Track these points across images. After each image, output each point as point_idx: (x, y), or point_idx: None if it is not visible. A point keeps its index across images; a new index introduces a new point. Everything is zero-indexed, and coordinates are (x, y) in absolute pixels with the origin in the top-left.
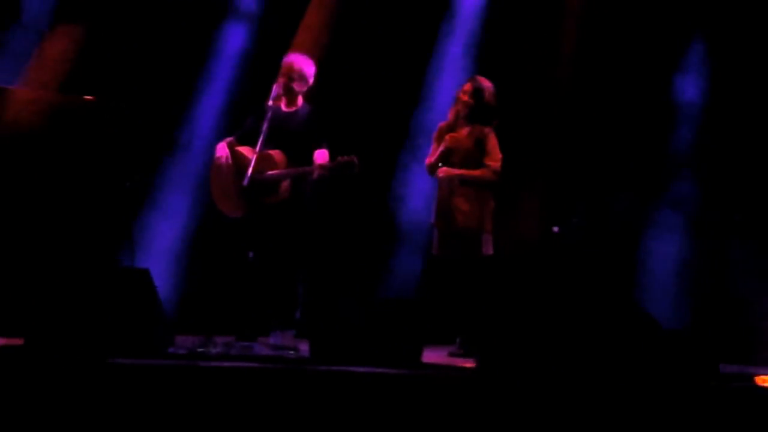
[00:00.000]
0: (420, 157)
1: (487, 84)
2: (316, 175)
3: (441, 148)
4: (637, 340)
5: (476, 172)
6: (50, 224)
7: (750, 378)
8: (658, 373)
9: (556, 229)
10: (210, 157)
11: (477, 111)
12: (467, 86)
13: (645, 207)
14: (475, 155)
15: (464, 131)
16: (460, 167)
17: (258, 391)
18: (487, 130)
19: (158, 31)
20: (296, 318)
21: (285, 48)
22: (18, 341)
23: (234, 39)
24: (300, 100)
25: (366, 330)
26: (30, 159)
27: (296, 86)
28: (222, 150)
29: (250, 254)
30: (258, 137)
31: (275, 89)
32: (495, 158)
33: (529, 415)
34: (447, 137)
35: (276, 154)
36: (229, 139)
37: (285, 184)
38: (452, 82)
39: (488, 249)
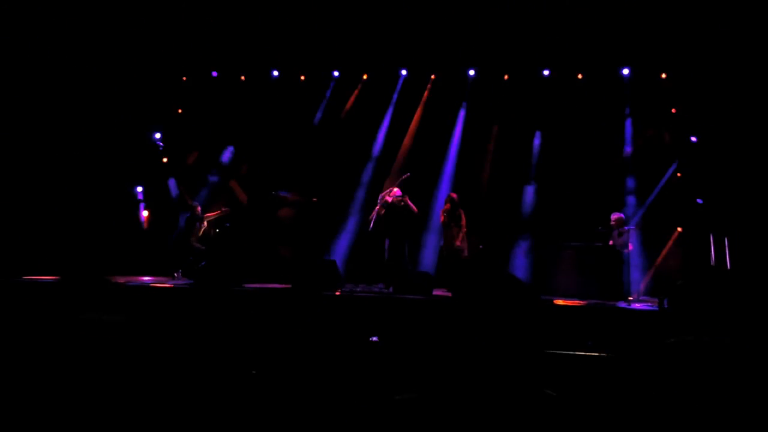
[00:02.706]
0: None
1: (454, 196)
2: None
3: (443, 220)
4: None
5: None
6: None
7: (551, 302)
8: None
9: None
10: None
11: (454, 210)
12: (447, 205)
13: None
14: (458, 224)
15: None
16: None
17: (373, 305)
18: (459, 211)
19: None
20: (387, 277)
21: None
22: (287, 286)
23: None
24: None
25: (411, 282)
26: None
27: (396, 200)
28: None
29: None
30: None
31: (380, 200)
32: (463, 225)
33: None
34: (444, 216)
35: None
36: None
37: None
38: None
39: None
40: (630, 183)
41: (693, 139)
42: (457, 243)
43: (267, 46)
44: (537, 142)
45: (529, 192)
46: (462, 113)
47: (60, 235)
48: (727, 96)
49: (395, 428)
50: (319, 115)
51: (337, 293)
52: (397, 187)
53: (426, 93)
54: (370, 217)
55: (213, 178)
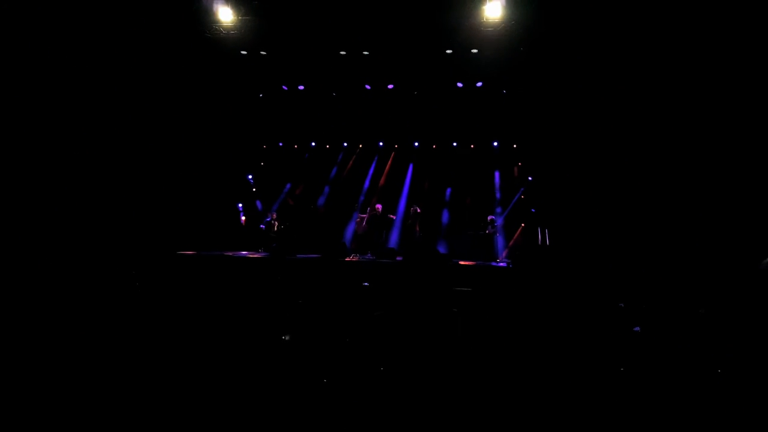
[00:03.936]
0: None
1: (378, 206)
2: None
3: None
4: None
5: None
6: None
7: (457, 262)
8: None
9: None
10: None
11: (415, 216)
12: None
13: None
14: (415, 223)
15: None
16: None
17: (365, 265)
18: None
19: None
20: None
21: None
22: (317, 256)
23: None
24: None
25: (385, 253)
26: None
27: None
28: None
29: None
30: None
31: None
32: (418, 224)
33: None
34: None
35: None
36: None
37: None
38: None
39: None
40: (498, 209)
41: (530, 178)
42: (417, 229)
43: (309, 129)
44: (450, 181)
45: (446, 212)
46: (410, 168)
47: (197, 227)
48: (545, 157)
49: (374, 329)
50: (334, 169)
51: (347, 260)
52: (380, 205)
53: (392, 155)
54: (360, 220)
55: (280, 198)
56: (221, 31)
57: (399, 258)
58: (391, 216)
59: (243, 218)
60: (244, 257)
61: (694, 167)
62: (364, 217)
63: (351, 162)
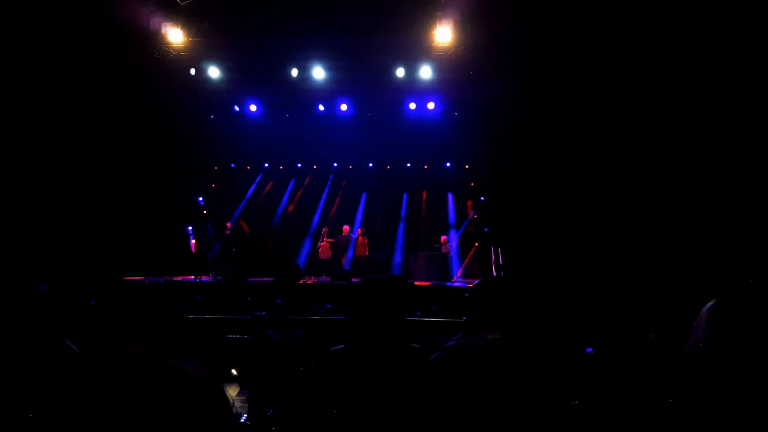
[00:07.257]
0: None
1: (345, 227)
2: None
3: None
4: None
5: None
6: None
7: (413, 283)
8: None
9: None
10: None
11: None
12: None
13: None
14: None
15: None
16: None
17: (320, 287)
18: (366, 239)
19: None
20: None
21: None
22: (272, 279)
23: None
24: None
25: (340, 275)
26: (274, 248)
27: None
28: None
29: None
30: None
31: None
32: (366, 245)
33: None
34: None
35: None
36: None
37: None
38: None
39: None
40: (452, 229)
41: (482, 198)
42: (365, 253)
43: (263, 153)
44: (404, 202)
45: (401, 227)
46: (364, 196)
47: (144, 252)
48: (496, 178)
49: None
50: (289, 187)
51: (301, 282)
52: (347, 226)
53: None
54: (320, 244)
55: (234, 217)
56: (171, 53)
57: (354, 279)
58: (360, 236)
59: (193, 242)
60: (194, 282)
61: (647, 179)
62: (330, 241)
63: (305, 183)
